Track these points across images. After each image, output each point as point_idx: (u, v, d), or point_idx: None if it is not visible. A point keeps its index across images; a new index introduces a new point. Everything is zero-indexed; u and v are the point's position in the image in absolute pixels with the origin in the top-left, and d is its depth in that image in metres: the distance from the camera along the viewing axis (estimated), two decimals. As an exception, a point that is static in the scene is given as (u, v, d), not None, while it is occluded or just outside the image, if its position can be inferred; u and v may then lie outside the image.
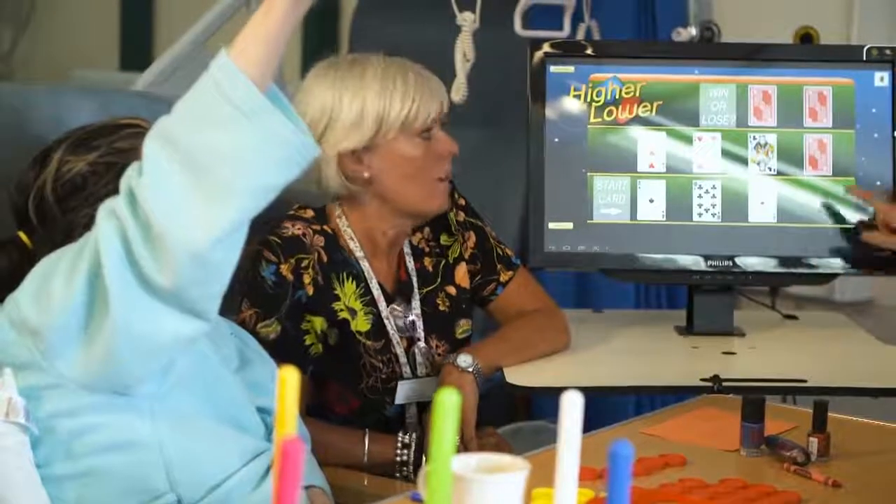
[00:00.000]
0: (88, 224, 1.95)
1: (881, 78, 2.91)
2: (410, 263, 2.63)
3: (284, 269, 2.44)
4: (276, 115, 1.79)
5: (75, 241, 1.95)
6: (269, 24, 1.80)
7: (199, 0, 4.19)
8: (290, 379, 1.13)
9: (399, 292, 2.59)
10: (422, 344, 2.57)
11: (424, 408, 2.56)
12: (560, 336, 2.70)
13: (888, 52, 2.91)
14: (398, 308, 2.57)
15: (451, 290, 2.65)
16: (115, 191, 1.91)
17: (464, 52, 3.47)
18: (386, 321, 2.54)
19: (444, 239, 2.67)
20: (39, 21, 5.82)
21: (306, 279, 2.45)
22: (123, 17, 5.66)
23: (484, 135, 4.03)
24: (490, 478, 1.27)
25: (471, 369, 2.49)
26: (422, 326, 2.58)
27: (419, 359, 2.57)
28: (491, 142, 4.04)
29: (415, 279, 2.61)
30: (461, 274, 2.67)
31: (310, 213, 2.55)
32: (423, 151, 2.51)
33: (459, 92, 3.39)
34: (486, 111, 4.00)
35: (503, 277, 2.70)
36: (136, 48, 5.58)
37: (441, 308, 2.62)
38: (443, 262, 2.66)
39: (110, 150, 2.03)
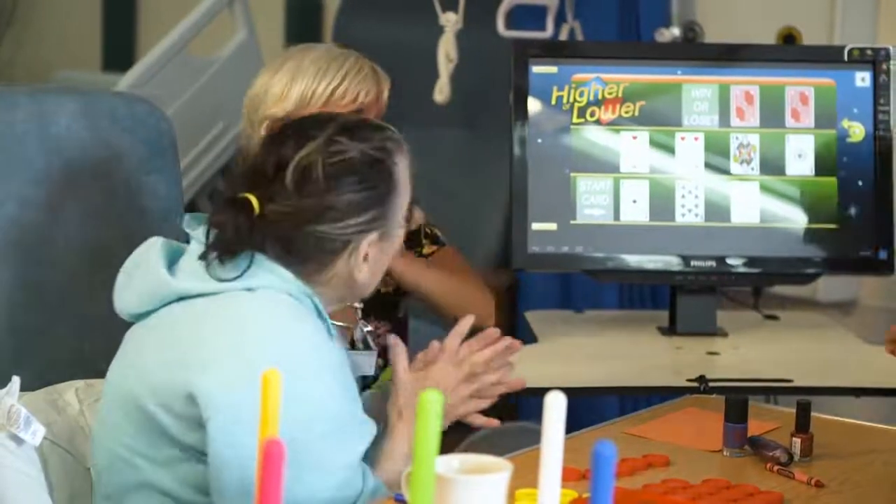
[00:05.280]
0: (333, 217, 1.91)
1: (862, 78, 2.91)
2: None
3: None
4: None
5: (321, 221, 1.91)
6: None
7: (182, 1, 4.18)
8: (272, 381, 1.13)
9: None
10: (362, 323, 2.46)
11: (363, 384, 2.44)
12: (482, 303, 2.57)
13: (869, 52, 2.92)
14: None
15: None
16: (374, 186, 1.93)
17: (447, 52, 3.48)
18: None
19: None
20: (22, 22, 5.81)
21: None
22: (106, 19, 5.66)
23: (467, 135, 4.03)
24: (472, 478, 1.27)
25: None
26: (360, 307, 2.47)
27: (357, 335, 2.45)
28: (474, 142, 4.04)
29: None
30: None
31: None
32: None
33: (443, 92, 3.39)
34: (469, 111, 4.00)
35: (426, 250, 2.60)
36: (119, 49, 5.57)
37: (382, 290, 2.47)
38: None
39: (380, 145, 1.96)
